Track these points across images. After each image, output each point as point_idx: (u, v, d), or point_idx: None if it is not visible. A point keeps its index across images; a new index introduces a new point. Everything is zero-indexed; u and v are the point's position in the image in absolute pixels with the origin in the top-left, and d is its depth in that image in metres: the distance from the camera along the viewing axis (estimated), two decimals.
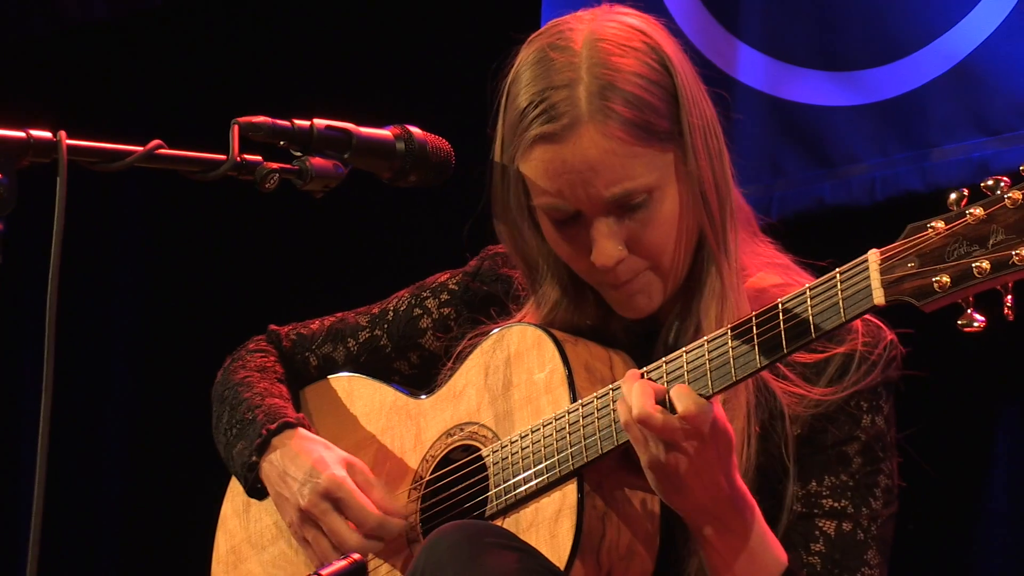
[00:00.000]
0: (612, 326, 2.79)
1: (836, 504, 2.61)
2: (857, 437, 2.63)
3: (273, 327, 3.20)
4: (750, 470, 2.59)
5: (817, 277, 2.40)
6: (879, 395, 2.64)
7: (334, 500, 2.78)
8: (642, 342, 2.76)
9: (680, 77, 2.66)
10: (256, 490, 2.93)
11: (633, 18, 2.73)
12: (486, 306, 2.97)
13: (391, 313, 3.08)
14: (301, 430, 2.89)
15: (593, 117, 2.58)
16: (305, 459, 2.83)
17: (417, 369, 3.06)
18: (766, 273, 2.76)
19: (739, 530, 2.51)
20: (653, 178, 2.63)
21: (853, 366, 2.61)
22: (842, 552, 2.60)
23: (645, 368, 2.54)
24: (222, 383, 3.11)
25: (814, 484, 2.63)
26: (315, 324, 3.17)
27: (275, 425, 2.88)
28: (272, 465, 2.86)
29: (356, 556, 2.64)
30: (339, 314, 3.16)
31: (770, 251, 2.82)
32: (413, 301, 3.06)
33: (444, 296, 3.04)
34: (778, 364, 2.57)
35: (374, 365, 3.08)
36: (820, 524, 2.61)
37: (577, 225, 2.67)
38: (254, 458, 2.88)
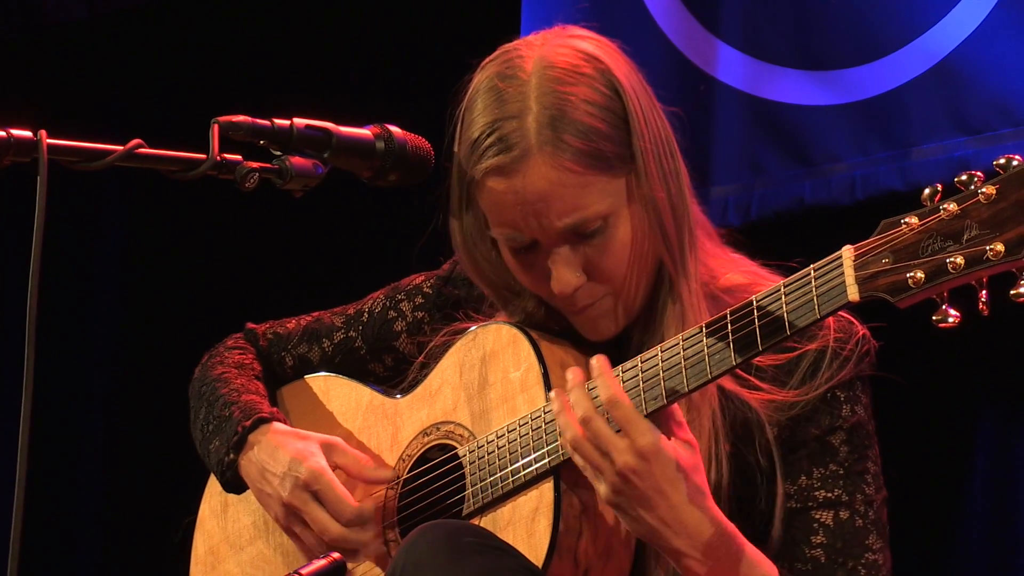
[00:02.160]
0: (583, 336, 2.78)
1: (829, 494, 2.60)
2: (839, 427, 2.62)
3: (251, 325, 3.20)
4: (722, 487, 2.59)
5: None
6: (855, 386, 2.64)
7: (313, 491, 2.79)
8: (612, 350, 2.76)
9: (631, 101, 2.64)
10: (233, 487, 2.93)
11: (584, 41, 2.71)
12: (458, 310, 2.97)
13: (366, 315, 3.08)
14: (276, 424, 2.89)
15: (543, 148, 2.58)
16: (283, 453, 2.83)
17: (391, 371, 3.05)
18: (735, 275, 2.76)
19: (722, 559, 2.48)
20: (606, 205, 2.62)
21: (825, 362, 2.61)
22: (844, 540, 2.59)
23: (620, 365, 2.54)
24: (199, 380, 3.11)
25: (804, 478, 2.62)
26: (292, 323, 3.17)
27: (250, 422, 2.88)
28: (251, 462, 2.87)
29: (336, 555, 2.65)
30: (316, 313, 3.16)
31: (739, 259, 2.81)
32: (387, 303, 3.06)
33: (418, 299, 3.04)
34: (750, 373, 2.58)
35: (349, 366, 3.08)
36: (817, 516, 2.60)
37: (534, 253, 2.67)
38: (231, 456, 2.88)
